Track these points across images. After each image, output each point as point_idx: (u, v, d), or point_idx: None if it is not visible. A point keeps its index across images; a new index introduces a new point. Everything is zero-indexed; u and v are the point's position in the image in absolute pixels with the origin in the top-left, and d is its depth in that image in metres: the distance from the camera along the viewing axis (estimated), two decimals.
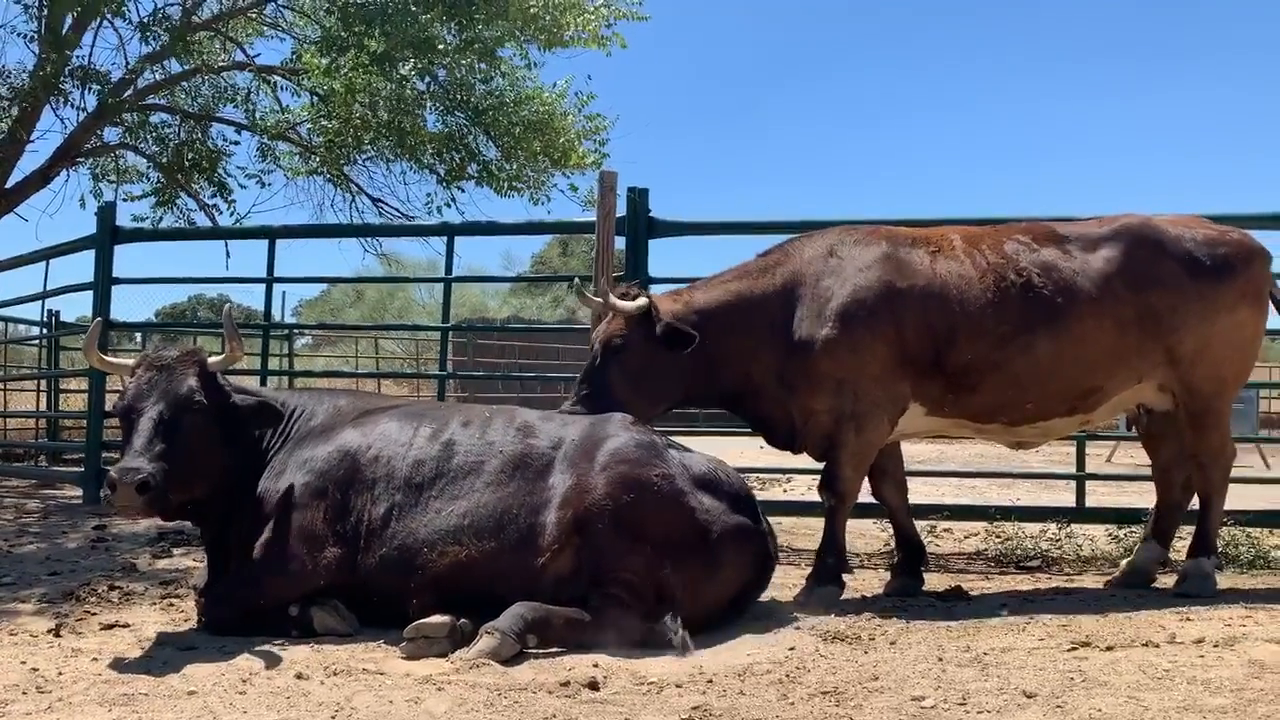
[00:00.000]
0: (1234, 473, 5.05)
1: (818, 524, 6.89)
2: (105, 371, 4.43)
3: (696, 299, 4.94)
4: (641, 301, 4.85)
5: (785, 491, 8.96)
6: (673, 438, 4.44)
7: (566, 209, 10.68)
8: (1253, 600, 4.50)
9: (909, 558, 5.02)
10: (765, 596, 4.45)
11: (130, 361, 4.26)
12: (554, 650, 3.65)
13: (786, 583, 5.07)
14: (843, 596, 4.79)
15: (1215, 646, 3.68)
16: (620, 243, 6.80)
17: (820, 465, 5.00)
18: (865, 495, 5.05)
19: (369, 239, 10.80)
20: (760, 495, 5.59)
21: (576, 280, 5.12)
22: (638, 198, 6.80)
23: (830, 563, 4.76)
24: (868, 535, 6.28)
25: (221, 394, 4.18)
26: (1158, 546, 5.11)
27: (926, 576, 5.08)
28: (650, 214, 6.82)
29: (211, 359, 4.19)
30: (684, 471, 4.05)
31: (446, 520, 3.98)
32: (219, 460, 4.15)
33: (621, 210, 6.72)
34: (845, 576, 4.89)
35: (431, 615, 3.71)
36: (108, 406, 9.02)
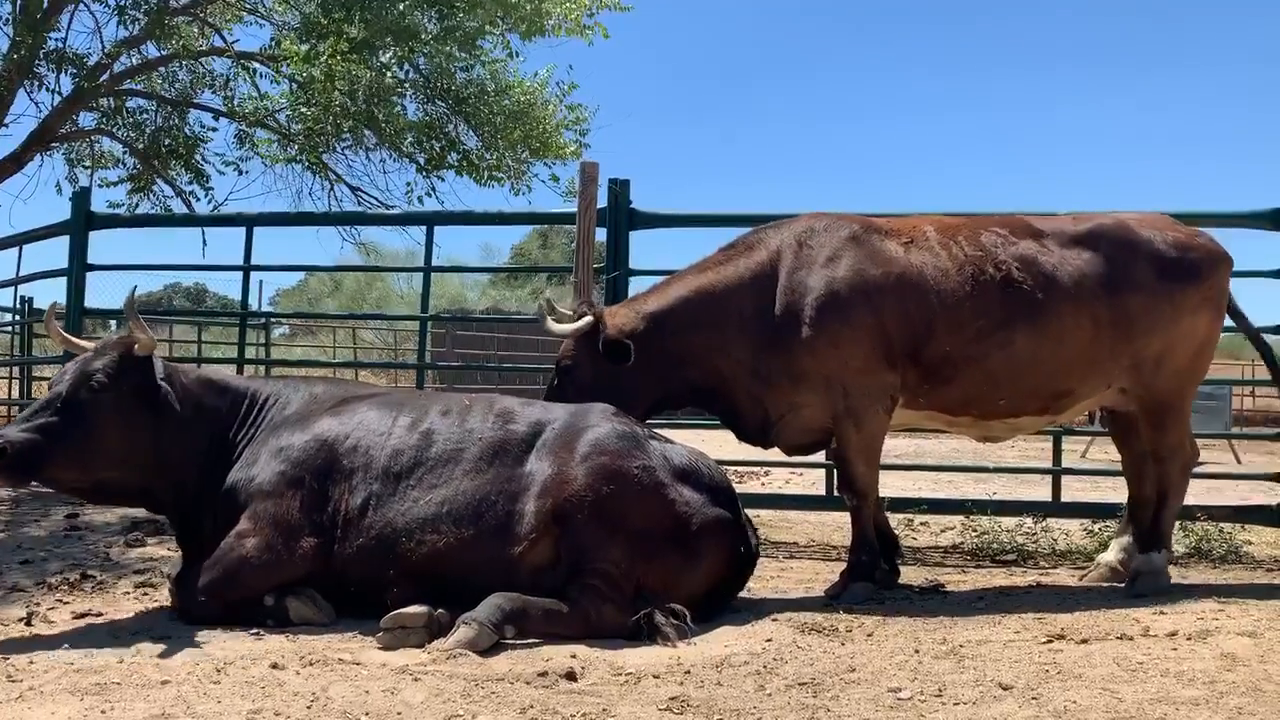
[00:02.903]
0: (1208, 469, 5.08)
1: (796, 517, 6.97)
2: (70, 350, 4.46)
3: (649, 305, 4.89)
4: (583, 322, 4.80)
5: (763, 485, 8.99)
6: (653, 429, 4.43)
7: (547, 200, 10.64)
8: (1225, 594, 4.54)
9: (884, 550, 5.02)
10: (745, 588, 4.46)
11: (90, 344, 4.30)
12: (532, 641, 3.64)
13: (764, 575, 5.08)
14: (817, 588, 4.81)
15: (1188, 639, 3.72)
16: (601, 234, 6.78)
17: (793, 459, 4.99)
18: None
19: (347, 228, 10.73)
20: (738, 488, 5.59)
21: (543, 300, 5.06)
22: (619, 189, 6.76)
23: (864, 559, 4.72)
24: (845, 528, 6.30)
25: (145, 378, 4.14)
26: (1131, 541, 5.12)
27: (903, 570, 5.09)
28: (632, 205, 6.79)
29: (139, 344, 4.15)
30: (665, 463, 4.05)
31: (425, 509, 3.96)
32: (142, 444, 4.13)
33: (603, 201, 6.69)
34: (822, 567, 4.89)
35: (409, 605, 3.69)
36: None
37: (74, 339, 4.44)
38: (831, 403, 4.71)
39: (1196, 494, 5.26)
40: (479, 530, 3.90)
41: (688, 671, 3.34)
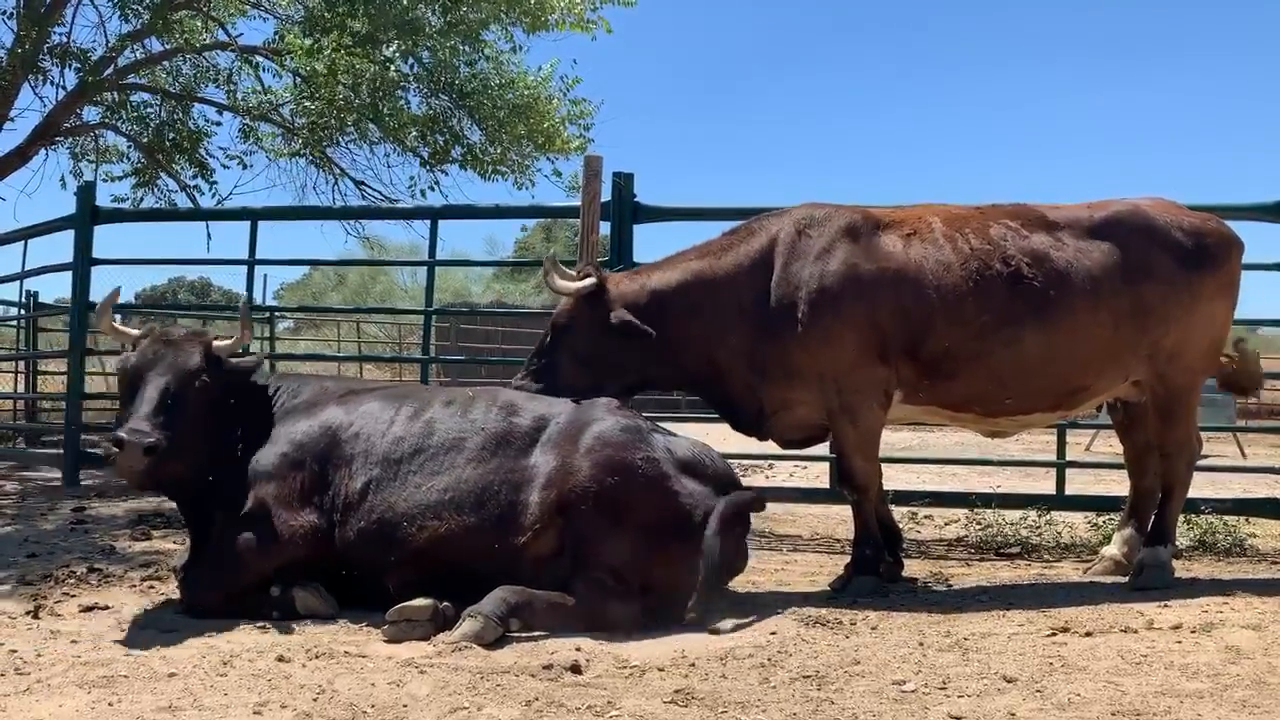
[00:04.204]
0: (1212, 462, 5.07)
1: (800, 510, 6.98)
2: (117, 339, 4.60)
3: (652, 280, 4.82)
4: (587, 282, 4.75)
5: (767, 478, 8.99)
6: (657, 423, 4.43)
7: (551, 194, 10.69)
8: (1229, 587, 4.53)
9: (887, 543, 5.00)
10: (749, 581, 4.46)
11: (137, 331, 4.40)
12: (537, 634, 3.65)
13: (768, 568, 5.09)
14: (821, 582, 4.81)
15: (1192, 632, 3.72)
16: (605, 228, 6.77)
17: (788, 451, 4.98)
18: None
19: (351, 222, 10.75)
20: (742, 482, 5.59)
21: (548, 254, 5.07)
22: (623, 183, 6.76)
23: (868, 553, 4.69)
24: (849, 521, 6.31)
25: (224, 377, 4.26)
26: (1134, 534, 5.10)
27: (907, 563, 5.08)
28: (636, 199, 6.79)
29: (218, 342, 4.29)
30: (669, 456, 4.04)
31: (426, 495, 3.98)
32: (210, 440, 4.20)
33: (606, 195, 6.68)
34: (826, 560, 4.89)
35: (411, 592, 3.72)
36: (87, 389, 8.97)
37: (123, 329, 4.56)
38: (825, 399, 4.67)
39: (1201, 487, 5.25)
40: (481, 518, 3.91)
41: (692, 664, 3.35)
